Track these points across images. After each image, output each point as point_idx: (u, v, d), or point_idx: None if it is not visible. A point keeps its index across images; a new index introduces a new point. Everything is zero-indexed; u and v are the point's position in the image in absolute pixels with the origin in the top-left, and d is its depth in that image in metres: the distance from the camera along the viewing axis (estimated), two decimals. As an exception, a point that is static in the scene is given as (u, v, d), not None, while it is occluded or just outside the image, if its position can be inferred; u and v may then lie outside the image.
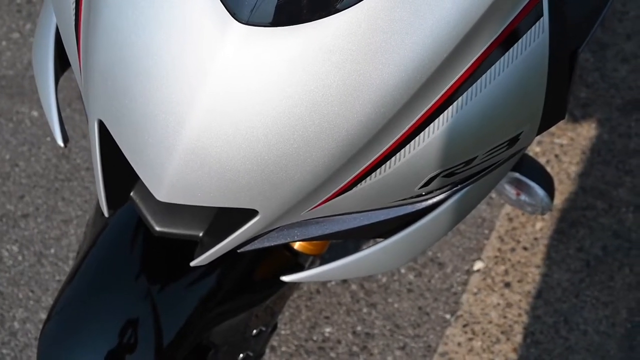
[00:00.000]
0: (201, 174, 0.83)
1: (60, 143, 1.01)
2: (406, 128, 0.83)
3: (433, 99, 0.82)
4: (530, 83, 0.84)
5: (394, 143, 0.83)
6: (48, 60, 1.01)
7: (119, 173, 0.92)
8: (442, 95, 0.82)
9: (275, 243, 0.95)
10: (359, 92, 0.79)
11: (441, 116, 0.83)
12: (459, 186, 0.96)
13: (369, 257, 0.99)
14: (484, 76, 0.82)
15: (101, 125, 0.87)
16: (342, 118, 0.80)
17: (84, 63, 0.87)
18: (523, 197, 1.23)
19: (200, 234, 0.95)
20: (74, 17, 0.88)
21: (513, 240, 1.86)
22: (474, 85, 0.82)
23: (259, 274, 1.17)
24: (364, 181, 0.86)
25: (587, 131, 1.99)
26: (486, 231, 1.88)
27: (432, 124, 0.83)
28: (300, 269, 1.20)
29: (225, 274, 1.13)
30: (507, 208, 1.90)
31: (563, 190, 1.90)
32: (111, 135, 0.87)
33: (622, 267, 1.81)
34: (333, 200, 0.87)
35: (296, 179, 0.83)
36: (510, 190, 1.25)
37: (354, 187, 0.86)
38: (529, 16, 0.82)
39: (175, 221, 0.95)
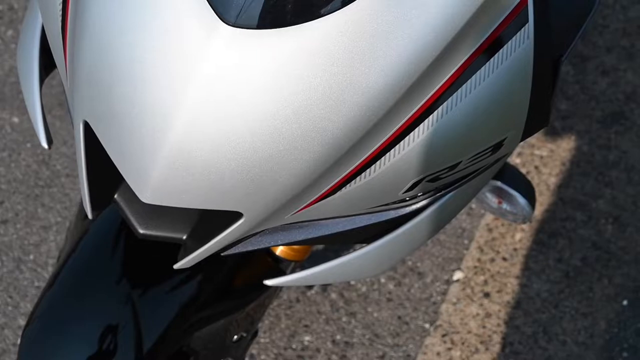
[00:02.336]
0: (186, 176, 0.83)
1: (45, 145, 1.00)
2: (391, 132, 0.83)
3: (418, 104, 0.82)
4: (514, 89, 0.85)
5: (378, 147, 0.84)
6: (33, 62, 1.00)
7: (103, 175, 0.92)
8: (427, 100, 0.82)
9: (259, 247, 0.95)
10: (344, 95, 0.79)
11: (426, 121, 0.83)
12: (442, 192, 0.96)
13: (352, 262, 0.99)
14: (468, 81, 0.82)
15: (86, 126, 0.87)
16: (327, 121, 0.80)
17: (70, 64, 0.87)
18: (504, 205, 1.24)
19: (184, 237, 0.95)
20: (60, 19, 0.88)
21: (492, 251, 1.87)
22: (459, 90, 0.83)
23: (240, 280, 1.17)
24: (348, 185, 0.86)
25: (567, 143, 2.00)
26: (466, 241, 1.89)
27: (416, 129, 0.83)
28: (282, 275, 1.20)
29: (206, 279, 1.13)
30: (487, 218, 1.91)
31: (542, 201, 1.91)
32: (96, 137, 0.87)
33: (601, 278, 1.82)
34: (318, 203, 0.87)
35: (281, 182, 0.83)
36: (492, 199, 1.25)
37: (338, 190, 0.86)
38: (514, 22, 0.82)
39: (159, 224, 0.95)
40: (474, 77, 0.82)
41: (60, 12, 0.87)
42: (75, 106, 0.87)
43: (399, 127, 0.83)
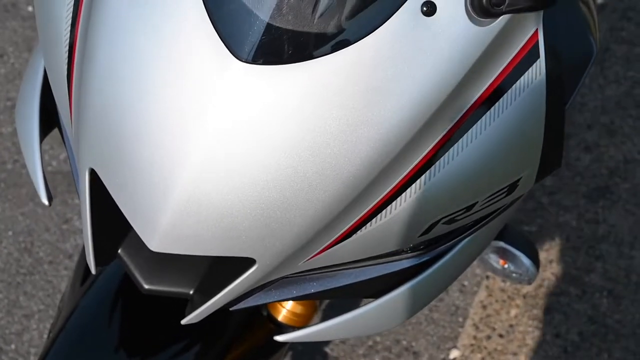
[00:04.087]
0: (197, 221, 0.80)
1: (45, 201, 0.97)
2: (407, 171, 0.81)
3: (434, 141, 0.81)
4: (528, 126, 0.84)
5: (394, 186, 0.81)
6: (33, 119, 0.98)
7: (108, 228, 0.89)
8: (443, 137, 0.81)
9: (269, 301, 0.92)
10: (360, 131, 0.77)
11: (442, 159, 0.81)
12: (457, 239, 0.94)
13: (366, 315, 0.96)
14: (483, 118, 0.81)
15: (92, 175, 0.84)
16: (343, 158, 0.78)
17: (75, 109, 0.84)
18: (509, 266, 1.22)
19: (191, 292, 0.91)
20: (66, 63, 0.86)
21: (488, 328, 1.84)
22: (474, 127, 0.81)
23: (242, 348, 1.13)
24: (364, 227, 0.83)
25: (555, 218, 1.99)
26: (460, 319, 1.85)
27: (433, 167, 0.81)
28: (284, 343, 1.16)
29: (206, 348, 1.09)
30: (481, 295, 1.88)
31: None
32: (100, 188, 0.84)
33: (600, 353, 1.79)
34: (333, 248, 0.84)
35: (296, 224, 0.80)
36: (496, 260, 1.23)
37: (354, 233, 0.83)
38: (526, 58, 0.82)
39: (164, 278, 0.91)
40: (488, 113, 0.81)
41: (67, 57, 0.86)
42: (80, 154, 0.84)
43: (415, 165, 0.81)
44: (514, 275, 1.23)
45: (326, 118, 0.76)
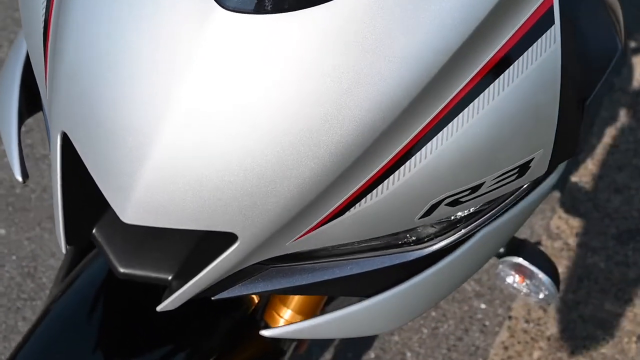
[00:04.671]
0: (173, 191, 0.72)
1: (19, 178, 0.91)
2: (406, 140, 0.73)
3: (435, 109, 0.73)
4: (541, 100, 0.76)
5: (391, 158, 0.74)
6: (13, 94, 0.92)
7: (81, 204, 0.82)
8: (446, 105, 0.73)
9: (257, 291, 0.83)
10: (354, 92, 0.70)
11: (445, 129, 0.74)
12: (464, 231, 0.85)
13: (363, 312, 0.87)
14: (490, 87, 0.74)
15: (64, 140, 0.78)
16: (336, 122, 0.70)
17: (50, 70, 0.78)
18: (527, 283, 1.12)
19: (170, 277, 0.83)
20: (43, 21, 0.80)
21: (509, 371, 1.73)
22: (481, 95, 0.74)
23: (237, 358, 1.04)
24: (357, 205, 0.75)
25: (582, 259, 1.89)
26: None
27: (434, 138, 0.73)
28: (282, 354, 1.07)
29: (197, 354, 1.00)
30: (503, 336, 1.77)
31: (561, 318, 1.79)
32: (74, 158, 0.77)
33: (628, 400, 1.67)
34: (323, 227, 0.76)
35: (282, 195, 0.72)
36: (513, 276, 1.14)
37: (345, 211, 0.75)
38: (539, 24, 0.74)
39: (142, 262, 0.83)
40: (496, 82, 0.74)
41: (44, 14, 0.80)
42: (52, 116, 0.78)
43: (414, 136, 0.73)
44: (532, 294, 1.13)
45: (318, 75, 0.70)
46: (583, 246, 1.92)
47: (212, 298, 0.83)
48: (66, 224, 0.80)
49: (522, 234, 1.96)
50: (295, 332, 0.88)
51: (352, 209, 0.75)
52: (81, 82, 0.74)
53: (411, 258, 0.85)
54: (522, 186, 0.85)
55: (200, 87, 0.70)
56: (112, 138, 0.73)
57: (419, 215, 0.78)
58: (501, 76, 0.74)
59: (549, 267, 1.16)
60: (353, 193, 0.74)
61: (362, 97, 0.70)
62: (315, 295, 1.02)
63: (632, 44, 2.38)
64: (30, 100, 0.95)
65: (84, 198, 0.81)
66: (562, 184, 2.03)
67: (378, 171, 0.74)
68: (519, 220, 0.93)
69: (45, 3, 0.80)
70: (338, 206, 0.75)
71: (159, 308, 0.81)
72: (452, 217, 0.85)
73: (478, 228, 0.86)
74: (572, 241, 1.93)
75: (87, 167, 0.75)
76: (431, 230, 0.86)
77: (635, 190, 2.02)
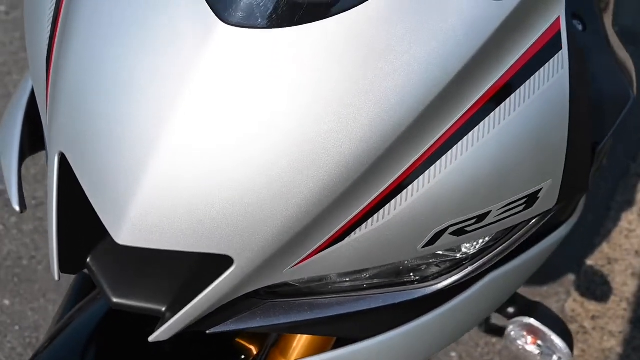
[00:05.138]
0: (169, 212, 0.70)
1: (17, 208, 0.89)
2: (406, 166, 0.71)
3: (437, 134, 0.71)
4: (548, 127, 0.74)
5: (392, 183, 0.71)
6: (15, 132, 0.92)
7: (76, 231, 0.80)
8: (447, 131, 0.71)
9: (251, 326, 0.80)
10: (357, 107, 0.68)
11: (447, 155, 0.72)
12: (470, 268, 0.82)
13: (366, 352, 0.83)
14: (495, 111, 0.72)
15: (61, 162, 0.76)
16: (336, 142, 0.69)
17: (51, 92, 0.78)
18: (540, 346, 1.08)
19: (163, 309, 0.80)
20: (47, 44, 0.80)
21: None
22: (484, 121, 0.72)
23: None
24: (357, 230, 0.73)
25: (598, 343, 1.84)
26: None
27: (436, 164, 0.71)
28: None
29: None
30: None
31: (577, 402, 1.73)
32: (71, 183, 0.76)
33: None
34: (321, 253, 0.74)
35: (280, 216, 0.70)
36: (525, 338, 1.10)
37: (345, 237, 0.73)
38: (546, 48, 0.73)
39: (135, 293, 0.81)
40: (502, 106, 0.72)
41: (48, 37, 0.80)
42: (51, 137, 0.77)
43: (417, 159, 0.71)
44: (546, 357, 1.09)
45: (320, 89, 0.68)
46: (599, 329, 1.87)
47: (207, 332, 0.80)
48: (60, 250, 0.78)
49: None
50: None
51: (352, 234, 0.73)
52: (80, 100, 0.74)
53: (415, 297, 0.82)
54: (532, 220, 0.82)
55: (197, 107, 0.69)
56: (108, 157, 0.71)
57: (422, 244, 0.75)
58: (506, 100, 0.72)
59: (562, 329, 1.12)
60: (353, 218, 0.72)
61: (363, 117, 0.69)
62: (319, 344, 0.98)
63: (648, 132, 2.37)
64: (33, 139, 0.94)
65: (80, 225, 0.79)
66: (577, 266, 1.99)
67: (379, 195, 0.72)
68: (529, 268, 0.90)
69: (49, 27, 0.80)
70: (337, 231, 0.73)
71: (151, 338, 0.78)
72: (458, 254, 0.82)
73: (485, 268, 0.83)
74: (588, 324, 1.88)
75: (83, 186, 0.74)
76: (435, 269, 0.84)
77: (653, 275, 1.98)
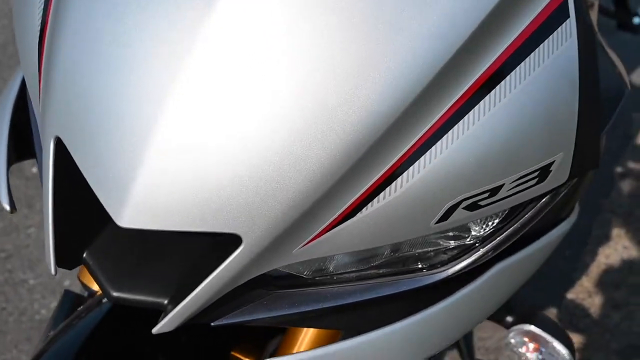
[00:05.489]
0: (173, 191, 0.68)
1: (7, 207, 0.86)
2: (418, 136, 0.69)
3: (448, 104, 0.70)
4: (559, 97, 0.73)
5: (403, 154, 0.69)
6: (1, 135, 0.89)
7: (72, 223, 0.76)
8: (458, 100, 0.70)
9: (258, 317, 0.77)
10: (367, 77, 0.67)
11: (459, 124, 0.70)
12: (479, 252, 0.80)
13: (374, 344, 0.79)
14: (503, 82, 0.71)
15: (57, 147, 0.73)
16: (346, 110, 0.67)
17: (44, 77, 0.75)
18: (542, 353, 1.06)
19: (166, 301, 0.76)
20: (38, 30, 0.77)
21: None
22: (494, 90, 0.70)
23: None
24: (369, 205, 0.70)
25: (586, 374, 1.81)
26: None
27: (448, 133, 0.70)
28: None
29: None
30: None
31: None
32: (68, 174, 0.73)
33: None
34: (331, 231, 0.71)
35: (289, 191, 0.67)
36: (527, 345, 1.07)
37: (356, 213, 0.70)
38: (553, 17, 0.73)
39: (135, 286, 0.77)
40: (509, 77, 0.71)
41: (39, 25, 0.77)
42: (46, 123, 0.74)
43: (428, 129, 0.69)
44: (546, 365, 1.06)
45: (326, 59, 0.66)
46: (585, 361, 1.84)
47: (212, 324, 0.76)
48: (56, 243, 0.74)
49: (522, 348, 1.89)
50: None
51: (363, 210, 0.71)
52: (76, 82, 0.71)
53: (423, 284, 0.79)
54: (543, 199, 0.81)
55: (200, 84, 0.67)
56: (108, 138, 0.69)
57: (435, 219, 0.73)
58: (515, 70, 0.71)
59: (563, 336, 1.09)
60: (363, 193, 0.70)
61: (374, 85, 0.67)
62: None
63: (619, 169, 2.39)
64: (19, 145, 0.91)
65: (76, 217, 0.76)
66: (559, 300, 1.98)
67: (389, 169, 0.70)
68: (533, 261, 0.88)
69: (41, 12, 0.78)
70: (348, 207, 0.70)
71: (154, 330, 0.74)
72: (468, 238, 0.80)
73: (494, 253, 0.81)
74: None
75: (82, 169, 0.71)
76: (444, 256, 0.81)
77: (635, 306, 1.97)
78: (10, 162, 0.89)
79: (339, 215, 0.70)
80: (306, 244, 0.71)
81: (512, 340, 1.07)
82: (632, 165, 2.42)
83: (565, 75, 0.73)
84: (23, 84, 0.92)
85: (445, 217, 0.73)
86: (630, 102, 2.67)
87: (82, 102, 0.70)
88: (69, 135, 0.72)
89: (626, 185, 2.33)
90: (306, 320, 0.79)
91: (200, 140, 0.67)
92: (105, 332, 0.91)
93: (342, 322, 0.80)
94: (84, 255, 0.78)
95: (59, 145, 0.73)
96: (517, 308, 1.11)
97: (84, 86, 0.70)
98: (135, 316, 0.91)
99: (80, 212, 0.75)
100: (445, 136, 0.70)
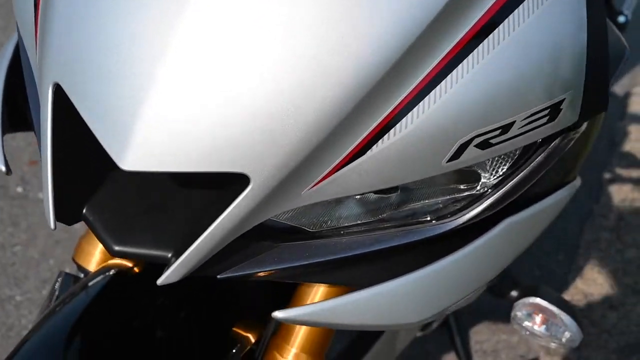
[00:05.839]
0: (176, 131, 0.66)
1: (3, 168, 0.83)
2: (427, 70, 0.68)
3: (454, 40, 0.69)
4: (568, 33, 0.72)
5: (414, 89, 0.68)
6: None
7: (71, 175, 0.74)
8: (465, 35, 0.69)
9: (264, 269, 0.74)
10: (376, 9, 0.66)
11: (468, 58, 0.69)
12: (488, 201, 0.78)
13: (382, 296, 0.76)
14: (510, 17, 0.70)
15: (56, 94, 0.71)
16: (354, 42, 0.65)
17: (41, 22, 0.73)
18: (549, 324, 1.04)
19: (169, 255, 0.74)
20: None
21: None
22: (501, 25, 0.69)
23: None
24: (379, 142, 0.68)
25: (585, 374, 1.79)
26: None
27: (455, 70, 0.68)
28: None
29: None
30: None
31: None
32: (67, 122, 0.71)
33: None
34: (341, 171, 0.69)
35: (297, 126, 0.66)
36: (534, 318, 1.05)
37: (366, 151, 0.68)
38: None
39: (137, 240, 0.74)
40: (517, 11, 0.70)
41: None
42: (44, 70, 0.72)
43: (438, 63, 0.68)
44: (555, 337, 1.04)
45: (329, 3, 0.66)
46: (584, 360, 1.82)
47: (218, 277, 0.74)
48: (55, 196, 0.72)
49: (519, 349, 1.86)
50: (311, 314, 0.77)
51: (373, 147, 0.69)
52: (75, 25, 0.69)
53: (433, 234, 0.77)
54: (553, 142, 0.79)
55: (201, 19, 0.66)
56: (108, 81, 0.67)
57: (447, 157, 0.71)
58: (522, 5, 0.70)
59: (567, 307, 1.07)
60: (372, 130, 0.68)
61: (382, 18, 0.66)
62: (322, 331, 0.92)
63: (607, 175, 2.39)
64: (13, 116, 0.89)
65: (76, 170, 0.74)
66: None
67: (398, 104, 0.68)
68: (541, 219, 0.86)
69: None
70: (357, 145, 0.68)
71: (159, 281, 0.71)
72: (478, 186, 0.78)
73: (503, 204, 0.79)
74: (572, 356, 1.84)
75: (82, 114, 0.69)
76: (452, 208, 0.79)
77: (632, 306, 1.95)
78: (4, 129, 0.87)
79: (348, 154, 0.69)
80: (315, 184, 0.69)
81: (518, 314, 1.05)
82: (619, 171, 2.42)
83: (572, 11, 0.72)
84: (16, 51, 0.90)
85: (456, 155, 0.71)
86: (615, 111, 2.68)
87: (82, 46, 0.69)
88: (68, 80, 0.70)
89: (615, 190, 2.33)
90: (314, 274, 0.76)
91: (205, 79, 0.65)
92: (102, 308, 0.88)
93: (350, 276, 0.77)
94: (84, 210, 0.76)
95: (58, 92, 0.71)
96: (520, 283, 1.09)
97: (84, 30, 0.69)
98: (133, 292, 0.89)
99: (79, 165, 0.73)
100: (453, 72, 0.69)
